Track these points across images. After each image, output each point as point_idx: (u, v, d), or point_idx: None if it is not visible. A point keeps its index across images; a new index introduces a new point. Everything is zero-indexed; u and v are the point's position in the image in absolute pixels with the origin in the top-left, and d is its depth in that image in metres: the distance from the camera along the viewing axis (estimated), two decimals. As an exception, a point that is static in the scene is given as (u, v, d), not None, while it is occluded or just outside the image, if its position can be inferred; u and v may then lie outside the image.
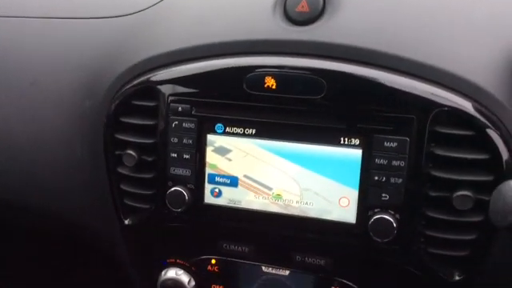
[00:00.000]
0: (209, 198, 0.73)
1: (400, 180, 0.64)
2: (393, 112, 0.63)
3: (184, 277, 0.76)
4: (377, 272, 0.68)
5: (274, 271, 0.74)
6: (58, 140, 0.84)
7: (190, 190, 0.72)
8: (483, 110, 0.62)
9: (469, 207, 0.62)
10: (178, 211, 0.72)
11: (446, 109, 0.62)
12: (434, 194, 0.64)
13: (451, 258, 0.65)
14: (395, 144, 0.63)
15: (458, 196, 0.62)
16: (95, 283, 1.26)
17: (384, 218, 0.64)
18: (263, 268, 0.74)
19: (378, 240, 0.64)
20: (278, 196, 0.70)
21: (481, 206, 0.62)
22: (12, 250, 1.25)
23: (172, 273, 0.76)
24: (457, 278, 0.65)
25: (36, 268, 1.28)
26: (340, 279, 0.70)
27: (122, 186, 0.78)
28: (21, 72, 0.88)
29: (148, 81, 0.74)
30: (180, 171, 0.73)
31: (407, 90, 0.63)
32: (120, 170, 0.77)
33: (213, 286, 0.76)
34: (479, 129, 0.62)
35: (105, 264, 1.11)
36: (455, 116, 0.62)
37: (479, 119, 0.62)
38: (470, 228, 0.63)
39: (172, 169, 0.73)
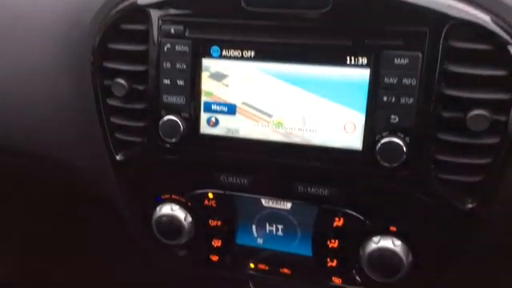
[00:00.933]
0: (205, 128, 0.68)
1: (411, 100, 0.59)
2: (404, 25, 0.58)
3: (180, 213, 0.72)
4: (384, 201, 0.64)
5: (275, 205, 0.70)
6: (45, 75, 0.79)
7: (184, 120, 0.68)
8: (503, 24, 0.57)
9: (484, 128, 0.58)
10: (172, 142, 0.68)
11: (462, 22, 0.57)
12: (446, 114, 0.59)
13: (463, 184, 0.61)
14: (406, 60, 0.58)
15: (472, 116, 0.57)
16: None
17: (393, 142, 0.60)
18: (263, 202, 0.70)
19: (387, 165, 0.60)
20: (279, 124, 0.65)
21: (497, 128, 0.58)
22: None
23: (167, 209, 0.72)
24: (469, 205, 0.62)
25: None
26: (344, 210, 0.66)
27: (113, 119, 0.73)
28: (2, 5, 0.83)
29: (136, 3, 0.68)
30: (173, 99, 0.68)
31: (419, 0, 0.58)
32: (110, 101, 0.72)
33: (210, 221, 0.73)
34: (498, 44, 0.57)
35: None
36: (472, 30, 0.57)
37: (499, 34, 0.57)
38: (485, 151, 0.59)
39: (165, 97, 0.68)
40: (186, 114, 0.68)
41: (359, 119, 0.62)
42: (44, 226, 1.21)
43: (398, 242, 0.64)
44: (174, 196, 0.73)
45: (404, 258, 0.64)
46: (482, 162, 0.60)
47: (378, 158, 0.60)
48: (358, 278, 0.68)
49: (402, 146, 0.59)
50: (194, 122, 0.68)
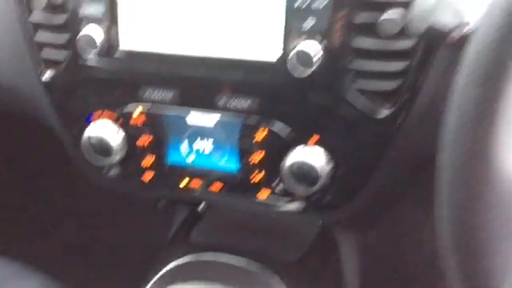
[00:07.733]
0: (124, 44, 0.67)
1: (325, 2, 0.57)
2: None
3: (111, 130, 0.71)
4: (303, 110, 0.64)
5: (199, 123, 0.69)
6: None
7: (104, 33, 0.66)
8: None
9: (395, 32, 0.56)
10: (90, 58, 0.67)
11: None
12: (358, 21, 0.58)
13: (379, 93, 0.60)
14: None
15: (383, 20, 0.56)
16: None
17: (303, 51, 0.58)
18: (188, 121, 0.69)
19: (298, 76, 0.60)
20: (197, 37, 0.64)
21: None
22: None
23: (99, 124, 0.72)
24: (384, 114, 0.61)
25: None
26: (268, 119, 0.65)
27: (36, 38, 0.72)
28: None
29: None
30: (92, 10, 0.66)
31: None
32: (31, 18, 0.71)
33: (140, 139, 0.72)
34: None
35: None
36: None
37: None
38: (400, 56, 0.58)
39: (84, 8, 0.66)
40: (105, 27, 0.66)
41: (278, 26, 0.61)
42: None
43: (318, 151, 0.64)
44: (104, 112, 0.72)
45: (322, 168, 0.64)
46: (398, 67, 0.58)
47: (289, 69, 0.60)
48: (282, 188, 0.68)
49: (311, 56, 0.58)
50: (114, 35, 0.66)
